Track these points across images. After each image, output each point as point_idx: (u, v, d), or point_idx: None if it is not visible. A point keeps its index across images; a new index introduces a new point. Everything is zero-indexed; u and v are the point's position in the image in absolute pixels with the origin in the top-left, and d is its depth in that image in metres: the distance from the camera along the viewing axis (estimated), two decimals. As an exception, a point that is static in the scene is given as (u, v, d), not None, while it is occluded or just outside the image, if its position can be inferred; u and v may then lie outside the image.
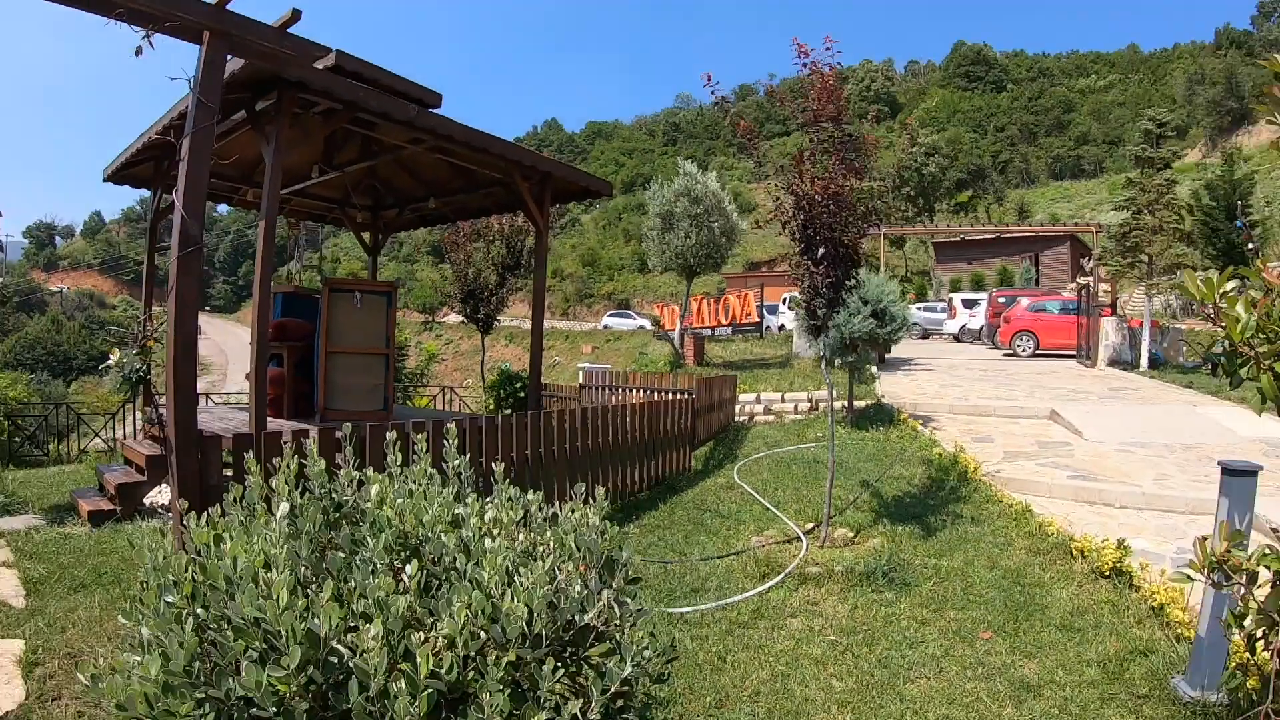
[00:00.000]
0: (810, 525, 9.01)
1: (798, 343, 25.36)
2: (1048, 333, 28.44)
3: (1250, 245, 16.16)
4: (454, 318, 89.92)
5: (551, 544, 3.70)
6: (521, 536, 3.82)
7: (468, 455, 7.59)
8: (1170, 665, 5.76)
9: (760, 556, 7.99)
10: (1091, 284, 24.86)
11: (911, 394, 17.91)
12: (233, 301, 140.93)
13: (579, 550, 3.66)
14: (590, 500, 4.08)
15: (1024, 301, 29.87)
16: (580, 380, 19.50)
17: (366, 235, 16.67)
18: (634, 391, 15.81)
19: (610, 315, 64.66)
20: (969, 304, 39.47)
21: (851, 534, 8.75)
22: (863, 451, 12.64)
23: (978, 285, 51.25)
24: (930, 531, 8.75)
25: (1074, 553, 7.93)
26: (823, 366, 9.13)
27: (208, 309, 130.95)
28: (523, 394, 19.55)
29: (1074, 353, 26.40)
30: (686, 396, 12.47)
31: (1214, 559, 3.66)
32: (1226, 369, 3.61)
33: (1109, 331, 24.25)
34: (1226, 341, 3.52)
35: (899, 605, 6.92)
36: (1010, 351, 29.09)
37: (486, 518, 3.82)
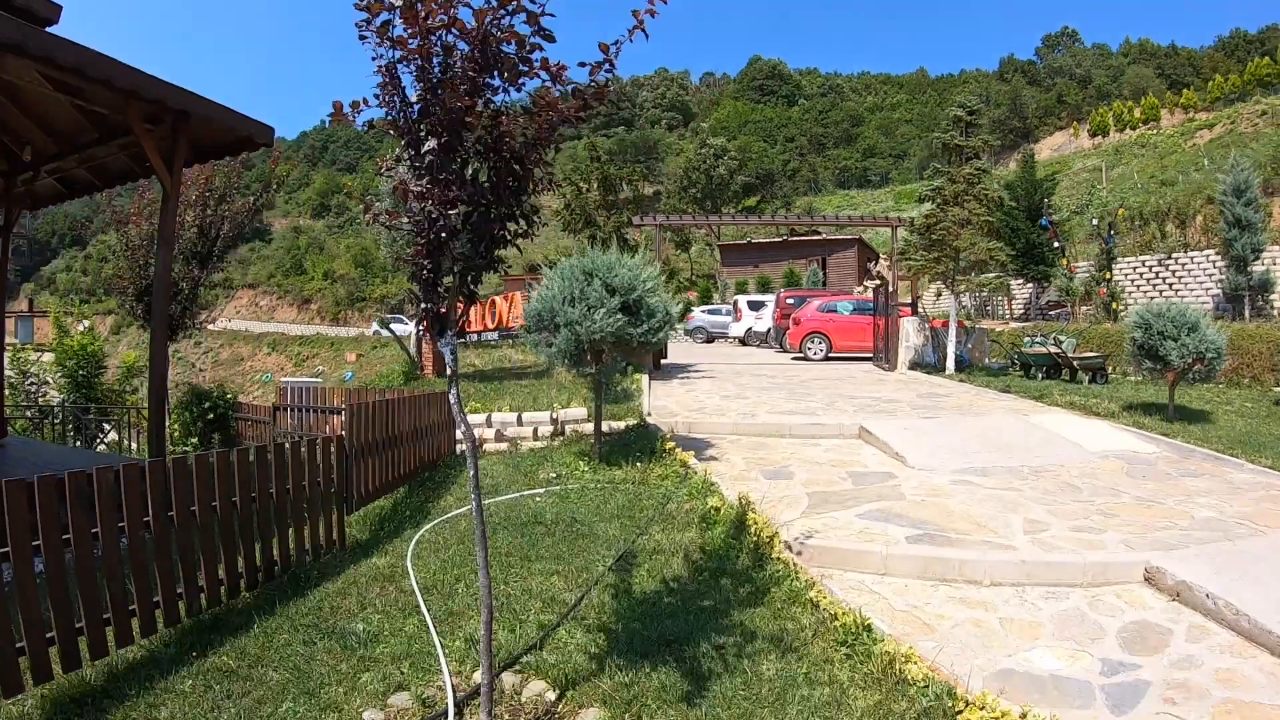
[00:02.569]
0: (482, 676, 4.83)
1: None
2: (841, 334, 25.58)
3: (1056, 244, 12.73)
4: (226, 322, 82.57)
5: None
6: None
7: None
8: None
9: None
10: (890, 282, 21.95)
11: (687, 409, 14.20)
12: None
13: None
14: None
15: (815, 302, 26.94)
16: (283, 399, 15.15)
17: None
18: (339, 415, 11.33)
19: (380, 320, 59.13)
20: (755, 306, 36.60)
21: (553, 695, 4.64)
22: (608, 504, 8.60)
23: (764, 288, 48.93)
24: (699, 683, 4.74)
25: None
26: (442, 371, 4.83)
27: None
28: (213, 415, 15.15)
29: (870, 355, 23.58)
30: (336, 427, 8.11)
31: None
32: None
33: (910, 333, 21.39)
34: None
35: None
36: (800, 355, 26.07)
37: None
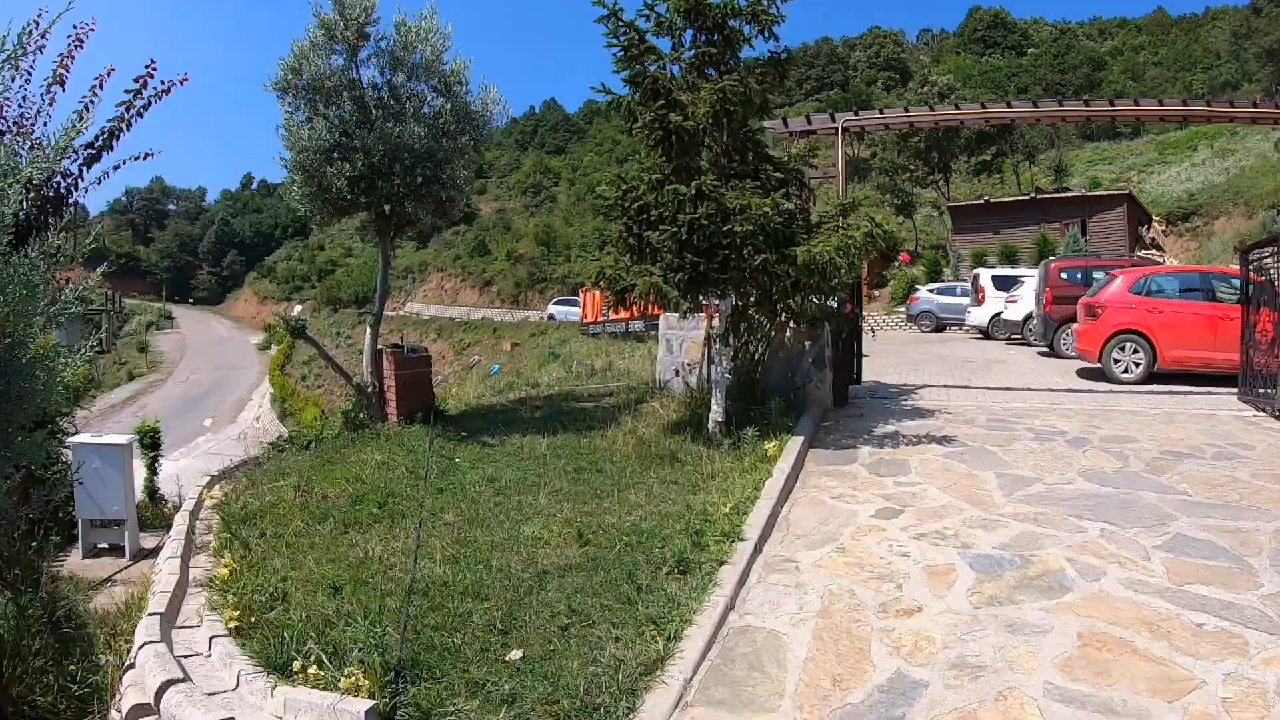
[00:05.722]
0: None
1: (663, 356, 11.30)
2: (1174, 336, 13.75)
3: None
4: (413, 306, 77.05)
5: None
6: None
7: None
8: None
9: None
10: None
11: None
12: (217, 293, 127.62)
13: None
14: None
15: (1120, 279, 14.99)
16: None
17: None
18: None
19: (555, 303, 50.12)
20: (1004, 283, 24.59)
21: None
22: None
23: (1008, 259, 36.75)
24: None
25: None
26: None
27: (190, 301, 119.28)
28: None
29: (1234, 377, 12.02)
30: None
31: None
32: None
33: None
34: None
35: None
36: (1095, 367, 14.46)
37: None
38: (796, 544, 5.74)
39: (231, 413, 50.46)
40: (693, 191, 7.43)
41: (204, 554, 6.78)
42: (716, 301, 8.44)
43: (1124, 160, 63.81)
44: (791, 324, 9.55)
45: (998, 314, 23.97)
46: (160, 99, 9.72)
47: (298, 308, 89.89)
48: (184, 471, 24.49)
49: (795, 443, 7.76)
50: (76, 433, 15.31)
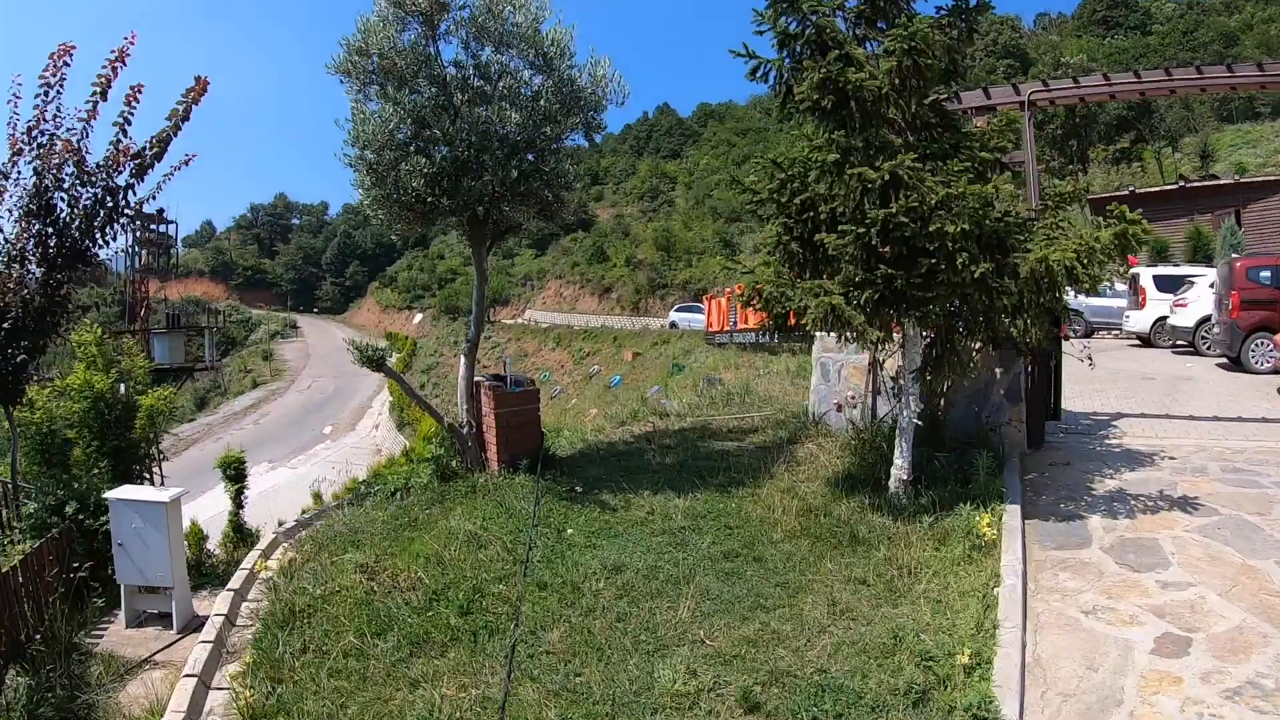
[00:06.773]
0: None
1: (818, 385, 9.28)
2: None
3: None
4: (533, 314, 76.29)
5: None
6: None
7: None
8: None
9: None
10: None
11: None
12: (340, 302, 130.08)
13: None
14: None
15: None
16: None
17: None
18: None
19: (677, 310, 48.01)
20: (1169, 284, 21.65)
21: None
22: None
23: (1159, 255, 33.50)
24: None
25: None
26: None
27: (314, 311, 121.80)
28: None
29: None
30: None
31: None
32: None
33: None
34: None
35: None
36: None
37: None
38: (1066, 712, 3.67)
39: (351, 420, 50.25)
40: (885, 176, 5.34)
41: (236, 660, 5.12)
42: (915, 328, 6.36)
43: (1269, 143, 58.73)
44: (982, 348, 7.36)
45: (1162, 319, 21.02)
46: (197, 103, 8.20)
47: (418, 317, 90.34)
48: (301, 479, 23.68)
49: (1013, 516, 5.66)
50: (163, 458, 13.89)
